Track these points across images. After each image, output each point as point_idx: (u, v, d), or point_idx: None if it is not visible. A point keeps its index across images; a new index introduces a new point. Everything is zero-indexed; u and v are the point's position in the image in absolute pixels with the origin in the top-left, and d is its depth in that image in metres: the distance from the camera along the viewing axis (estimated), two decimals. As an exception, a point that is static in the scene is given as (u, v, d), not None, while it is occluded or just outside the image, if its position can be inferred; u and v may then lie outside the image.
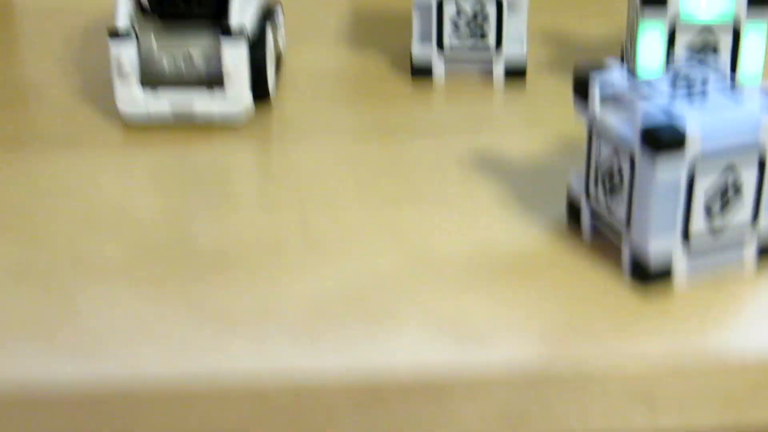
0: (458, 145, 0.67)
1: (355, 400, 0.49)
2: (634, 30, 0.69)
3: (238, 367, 0.49)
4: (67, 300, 0.54)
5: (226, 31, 0.67)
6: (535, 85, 0.75)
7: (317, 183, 0.63)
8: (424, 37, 0.75)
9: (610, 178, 0.54)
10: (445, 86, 0.75)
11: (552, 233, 0.58)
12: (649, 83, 0.54)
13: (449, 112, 0.72)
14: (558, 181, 0.62)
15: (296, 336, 0.51)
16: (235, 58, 0.68)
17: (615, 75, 0.55)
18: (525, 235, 0.58)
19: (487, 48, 0.74)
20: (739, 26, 0.67)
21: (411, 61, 0.75)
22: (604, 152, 0.55)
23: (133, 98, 0.69)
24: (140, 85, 0.69)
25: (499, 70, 0.75)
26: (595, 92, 0.54)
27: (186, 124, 0.69)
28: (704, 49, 0.68)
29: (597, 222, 0.57)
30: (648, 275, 0.53)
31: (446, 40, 0.74)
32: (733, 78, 0.55)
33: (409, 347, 0.50)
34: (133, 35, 0.68)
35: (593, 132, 0.55)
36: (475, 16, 0.73)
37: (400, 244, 0.57)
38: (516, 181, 0.63)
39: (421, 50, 0.75)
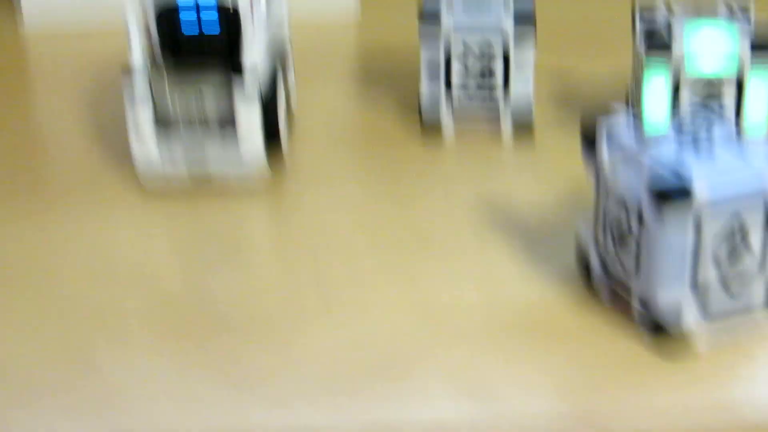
0: (469, 197, 0.68)
1: (373, 456, 0.50)
2: (639, 75, 0.70)
3: (256, 425, 0.50)
4: (86, 356, 0.54)
5: (241, 89, 0.68)
6: (542, 137, 0.76)
7: (331, 237, 0.64)
8: (433, 91, 0.76)
9: (619, 229, 0.55)
10: (454, 138, 0.76)
11: (564, 285, 0.59)
12: (654, 134, 0.55)
13: (459, 165, 0.73)
14: (568, 232, 0.62)
15: (314, 394, 0.51)
16: (250, 114, 0.69)
17: (621, 124, 0.56)
18: (538, 288, 0.59)
19: (495, 102, 0.75)
20: (743, 75, 0.68)
21: (420, 115, 0.76)
22: (611, 204, 0.55)
23: (148, 153, 0.70)
24: (154, 139, 0.70)
25: (507, 124, 0.76)
26: (602, 146, 0.55)
27: (201, 177, 0.70)
28: (708, 97, 0.69)
29: (607, 274, 0.57)
30: (659, 327, 0.54)
31: (455, 95, 0.75)
32: (738, 127, 0.56)
33: (425, 404, 0.51)
34: (147, 89, 0.69)
35: (601, 184, 0.56)
36: (482, 72, 0.74)
37: (414, 299, 0.58)
38: (527, 233, 0.64)
39: (430, 104, 0.76)
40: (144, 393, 0.52)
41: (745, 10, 0.70)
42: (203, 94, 0.71)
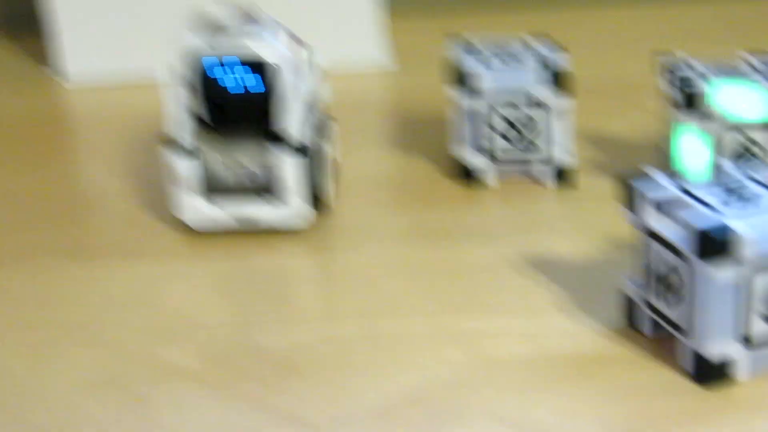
0: (511, 247, 0.69)
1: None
2: (671, 130, 0.71)
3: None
4: (142, 404, 0.56)
5: (287, 149, 0.70)
6: (581, 186, 0.77)
7: (376, 288, 0.65)
8: (473, 143, 0.77)
9: (665, 281, 0.56)
10: (494, 190, 0.77)
11: (608, 333, 0.60)
12: (697, 187, 0.56)
13: (500, 216, 0.74)
14: (610, 281, 0.63)
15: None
16: (295, 174, 0.70)
17: (661, 180, 0.57)
18: (582, 335, 0.60)
19: (535, 152, 0.76)
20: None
21: (461, 167, 0.77)
22: (657, 256, 0.56)
23: (195, 209, 0.71)
24: (200, 196, 0.71)
25: (547, 174, 0.77)
26: (642, 201, 0.56)
27: (247, 232, 0.72)
28: (746, 148, 0.70)
29: (653, 322, 0.58)
30: (709, 377, 0.54)
31: (495, 146, 0.76)
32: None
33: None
34: (192, 148, 0.71)
35: (645, 237, 0.57)
36: (522, 122, 0.76)
37: (461, 347, 0.59)
38: (569, 282, 0.65)
39: (471, 156, 0.77)
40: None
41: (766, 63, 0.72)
42: (245, 151, 0.72)
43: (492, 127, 0.76)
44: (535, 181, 0.78)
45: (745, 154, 0.70)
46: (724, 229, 0.52)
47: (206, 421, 0.54)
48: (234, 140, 0.72)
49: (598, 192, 0.76)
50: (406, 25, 1.13)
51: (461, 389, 0.56)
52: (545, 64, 0.76)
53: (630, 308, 0.60)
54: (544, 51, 0.79)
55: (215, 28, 0.72)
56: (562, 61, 0.77)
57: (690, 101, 0.69)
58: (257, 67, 0.70)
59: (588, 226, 0.72)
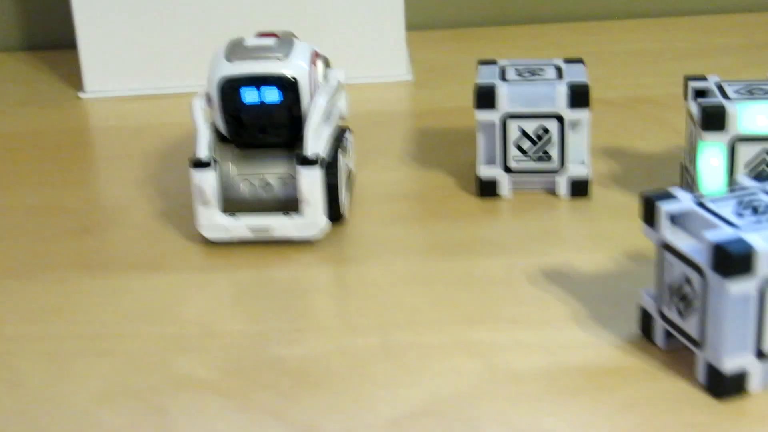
0: (526, 259, 0.70)
1: None
2: (694, 148, 0.71)
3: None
4: (159, 414, 0.56)
5: (303, 161, 0.70)
6: (597, 199, 0.77)
7: (392, 301, 0.66)
8: (489, 157, 0.77)
9: (682, 295, 0.56)
10: (510, 203, 0.77)
11: (623, 345, 0.60)
12: (714, 202, 0.57)
13: (515, 227, 0.74)
14: (625, 293, 0.64)
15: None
16: (311, 185, 0.71)
17: (680, 196, 0.57)
18: (597, 347, 0.60)
19: (551, 165, 0.77)
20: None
21: (477, 180, 0.78)
22: (674, 271, 0.57)
23: (215, 224, 0.72)
24: (217, 208, 0.72)
25: (563, 187, 0.77)
26: (663, 218, 0.57)
27: (264, 244, 0.72)
28: (764, 164, 0.70)
29: (669, 336, 0.58)
30: (723, 389, 0.54)
31: (511, 159, 0.77)
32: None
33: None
34: (214, 164, 0.71)
35: (663, 253, 0.57)
36: (538, 135, 0.76)
37: (475, 359, 0.59)
38: (584, 293, 0.65)
39: (487, 169, 0.77)
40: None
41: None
42: (263, 163, 0.73)
43: (507, 139, 0.76)
44: (551, 193, 0.78)
45: (763, 167, 0.70)
46: (740, 243, 0.53)
47: (223, 431, 0.55)
48: (252, 156, 0.73)
49: (613, 204, 0.76)
50: (423, 36, 1.14)
51: (476, 400, 0.56)
52: (562, 76, 0.77)
53: (645, 320, 0.60)
54: (561, 63, 0.79)
55: (234, 42, 0.73)
56: (580, 73, 0.77)
57: (712, 118, 0.69)
58: (275, 79, 0.71)
59: (603, 238, 0.72)
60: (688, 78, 0.74)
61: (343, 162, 0.75)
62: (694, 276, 0.55)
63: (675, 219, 0.57)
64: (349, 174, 0.78)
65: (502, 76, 0.77)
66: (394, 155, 0.87)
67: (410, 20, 1.06)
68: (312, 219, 0.71)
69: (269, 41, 0.73)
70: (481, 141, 0.77)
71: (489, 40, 1.14)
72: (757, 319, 0.54)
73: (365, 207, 0.78)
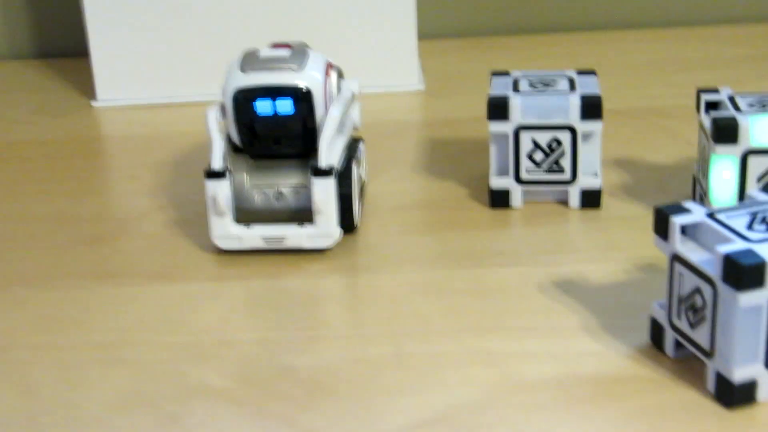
0: (537, 268, 0.70)
1: None
2: (706, 161, 0.71)
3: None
4: (172, 423, 0.57)
5: (317, 172, 0.71)
6: (608, 210, 0.77)
7: (404, 310, 0.66)
8: (501, 167, 0.78)
9: (693, 306, 0.57)
10: (522, 213, 0.78)
11: (634, 354, 0.60)
12: (726, 215, 0.57)
13: (527, 237, 0.75)
14: (636, 302, 0.64)
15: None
16: (325, 196, 0.71)
17: (692, 209, 0.58)
18: (608, 356, 0.60)
19: (563, 176, 0.77)
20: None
21: (489, 191, 0.78)
22: (685, 282, 0.57)
23: (229, 234, 0.72)
24: (230, 217, 0.72)
25: (574, 197, 0.77)
26: (675, 230, 0.57)
27: (277, 253, 0.72)
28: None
29: (679, 346, 0.59)
30: (733, 398, 0.55)
31: (523, 170, 0.77)
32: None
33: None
34: (228, 175, 0.72)
35: (674, 264, 0.58)
36: (551, 147, 0.76)
37: (487, 368, 0.60)
38: (595, 303, 0.65)
39: (499, 180, 0.78)
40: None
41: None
42: (276, 173, 0.73)
43: (520, 150, 0.77)
44: (563, 203, 0.78)
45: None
46: (751, 255, 0.53)
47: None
48: (265, 163, 0.73)
49: (624, 215, 0.77)
50: (435, 45, 1.15)
51: (487, 409, 0.56)
52: (575, 88, 0.77)
53: (655, 330, 0.60)
54: (574, 74, 0.80)
55: (248, 53, 0.74)
56: (592, 84, 0.78)
57: (723, 130, 0.69)
58: (289, 90, 0.71)
59: (614, 248, 0.72)
60: (701, 90, 0.74)
61: (357, 172, 0.75)
62: (705, 287, 0.55)
63: (687, 231, 0.57)
64: (362, 184, 0.79)
65: (515, 88, 0.78)
66: (406, 165, 0.87)
67: (422, 29, 1.07)
68: (325, 229, 0.72)
69: (283, 52, 0.73)
70: (493, 152, 0.78)
71: (500, 49, 1.15)
72: (766, 329, 0.54)
73: (377, 217, 0.78)
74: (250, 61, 0.72)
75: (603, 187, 0.78)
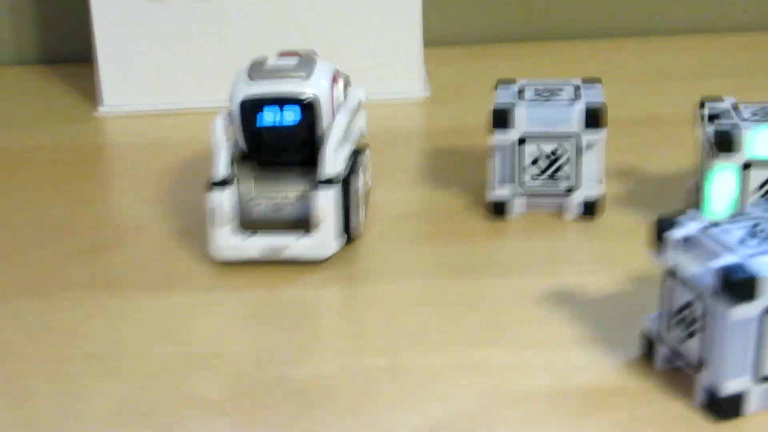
0: (535, 279, 0.70)
1: None
2: (706, 171, 0.71)
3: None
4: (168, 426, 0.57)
5: (322, 182, 0.71)
6: (608, 219, 0.77)
7: (400, 321, 0.66)
8: (503, 176, 0.78)
9: (684, 319, 0.56)
10: (523, 223, 0.78)
11: (627, 366, 0.60)
12: (721, 227, 0.57)
13: (526, 248, 0.74)
14: (631, 314, 0.64)
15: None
16: (327, 205, 0.71)
17: (688, 221, 0.58)
18: (601, 368, 0.60)
19: (565, 185, 0.77)
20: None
21: (489, 200, 0.78)
22: (678, 295, 0.57)
23: (227, 245, 0.72)
24: (236, 230, 0.72)
25: (577, 207, 0.77)
26: (669, 244, 0.57)
27: (275, 264, 0.73)
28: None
29: (672, 358, 0.59)
30: (722, 411, 0.55)
31: (525, 180, 0.77)
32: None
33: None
34: (232, 183, 0.72)
35: (668, 275, 0.58)
36: (554, 156, 0.76)
37: (483, 379, 0.60)
38: (592, 315, 0.65)
39: (500, 189, 0.78)
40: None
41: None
42: (278, 182, 0.73)
43: (522, 160, 0.76)
44: (562, 211, 0.78)
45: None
46: (742, 269, 0.53)
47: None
48: (267, 171, 0.73)
49: (624, 225, 0.76)
50: (440, 53, 1.15)
51: (481, 421, 0.56)
52: (577, 96, 0.77)
53: (648, 342, 0.60)
54: (579, 83, 0.79)
55: (256, 61, 0.74)
56: (597, 93, 0.77)
57: (724, 140, 0.69)
58: (296, 99, 0.71)
59: (612, 259, 0.72)
60: (703, 99, 0.74)
61: (361, 181, 0.75)
62: (696, 301, 0.55)
63: (683, 244, 0.57)
64: (364, 193, 0.79)
65: (521, 96, 0.77)
66: (409, 173, 0.87)
67: (428, 36, 1.07)
68: (326, 239, 0.72)
69: (291, 61, 0.73)
70: (495, 161, 0.77)
71: (506, 56, 1.15)
72: (756, 343, 0.54)
73: (377, 226, 0.78)
74: (257, 69, 0.73)
75: (604, 197, 0.78)
